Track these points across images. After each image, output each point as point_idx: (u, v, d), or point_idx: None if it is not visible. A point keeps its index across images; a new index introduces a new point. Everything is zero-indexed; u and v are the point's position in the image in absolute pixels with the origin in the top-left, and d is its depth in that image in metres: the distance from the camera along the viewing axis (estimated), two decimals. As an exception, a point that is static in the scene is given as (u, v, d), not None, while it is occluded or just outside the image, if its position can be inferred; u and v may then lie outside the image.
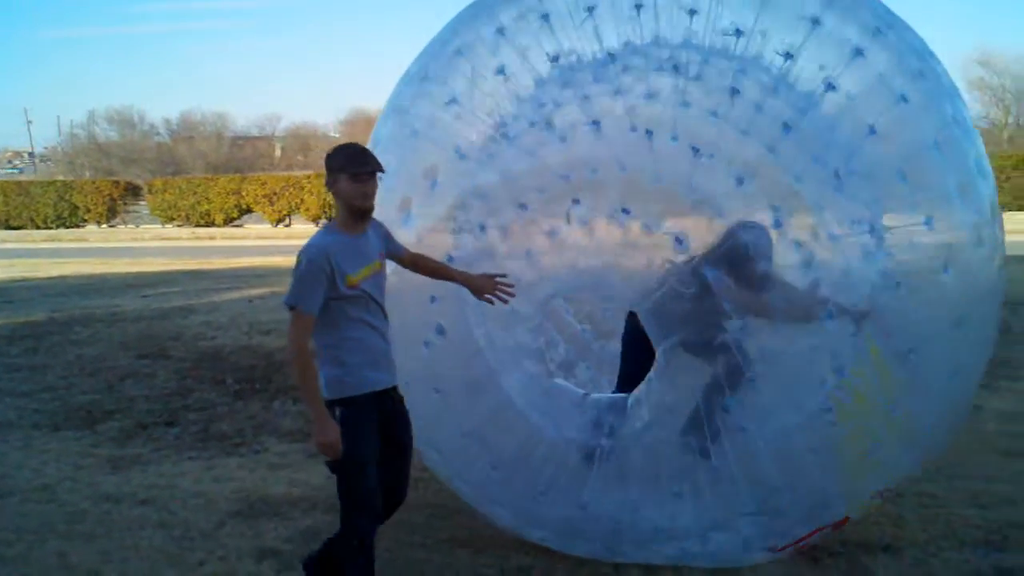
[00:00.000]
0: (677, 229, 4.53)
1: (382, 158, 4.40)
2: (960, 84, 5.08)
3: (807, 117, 4.41)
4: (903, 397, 4.54)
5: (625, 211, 4.57)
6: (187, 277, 22.44)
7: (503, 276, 4.69)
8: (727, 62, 4.51)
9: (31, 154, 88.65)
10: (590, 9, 4.72)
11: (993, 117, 58.37)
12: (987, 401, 7.96)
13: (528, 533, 5.27)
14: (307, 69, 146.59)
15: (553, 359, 6.22)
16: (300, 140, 76.05)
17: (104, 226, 50.58)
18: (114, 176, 57.54)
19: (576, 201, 4.74)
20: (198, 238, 42.23)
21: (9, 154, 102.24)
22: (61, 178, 57.92)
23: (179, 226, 48.29)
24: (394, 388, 4.55)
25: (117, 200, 51.28)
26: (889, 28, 4.69)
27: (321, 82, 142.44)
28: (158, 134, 75.98)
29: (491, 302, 4.68)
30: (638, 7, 4.64)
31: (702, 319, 4.67)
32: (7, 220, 50.34)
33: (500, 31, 4.98)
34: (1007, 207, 29.35)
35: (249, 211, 48.42)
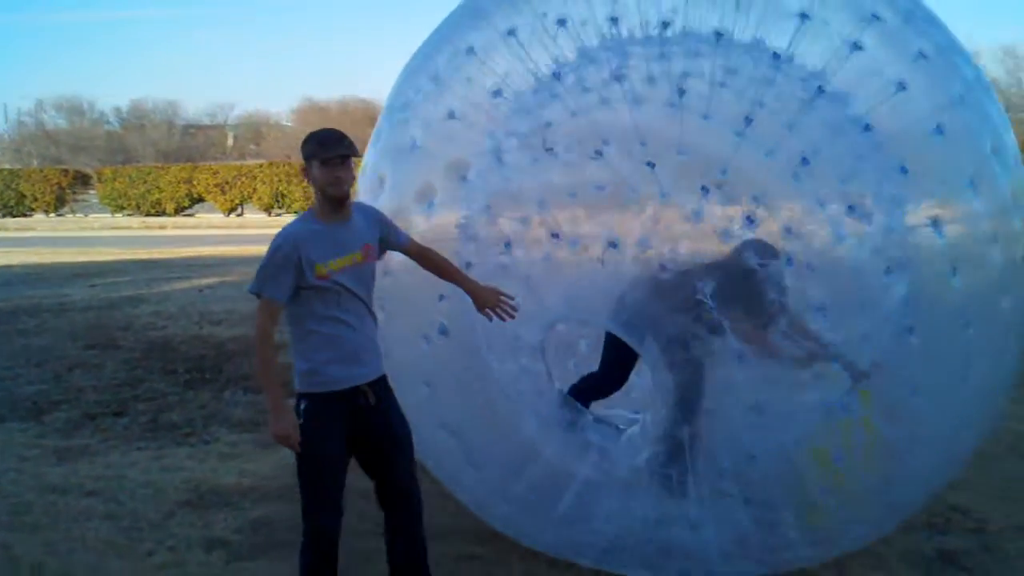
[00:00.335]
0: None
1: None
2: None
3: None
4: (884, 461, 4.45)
5: (650, 164, 4.29)
6: (137, 267, 22.18)
7: (510, 298, 4.41)
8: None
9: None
10: None
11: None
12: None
13: (490, 511, 5.25)
14: (259, 57, 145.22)
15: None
16: (252, 129, 75.25)
17: (52, 215, 49.82)
18: (63, 165, 56.55)
19: (599, 153, 4.44)
20: (148, 227, 41.72)
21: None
22: (8, 167, 56.93)
23: (129, 215, 47.66)
24: (373, 383, 4.28)
25: (66, 189, 50.54)
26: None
27: (274, 71, 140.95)
28: (108, 122, 74.80)
29: (490, 317, 4.42)
30: None
31: (679, 323, 4.45)
32: (-48, 209, 49.44)
33: None
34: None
35: (201, 200, 47.93)
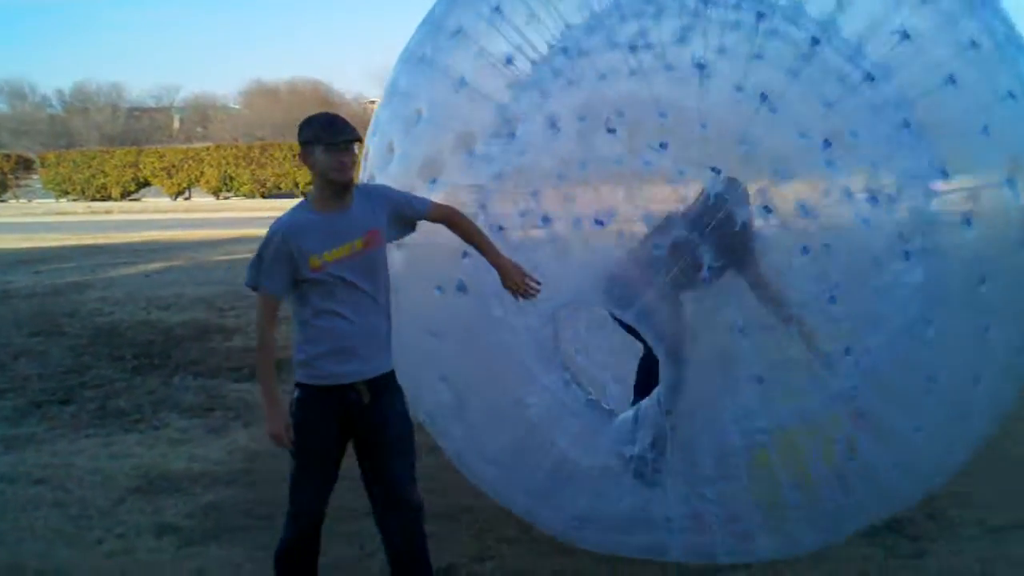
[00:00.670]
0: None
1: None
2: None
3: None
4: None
5: (662, 145, 4.18)
6: (82, 252, 21.84)
7: (535, 280, 4.20)
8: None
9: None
10: None
11: None
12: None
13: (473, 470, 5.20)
14: (205, 38, 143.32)
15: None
16: (199, 111, 74.32)
17: (-6, 201, 48.91)
18: (4, 149, 55.48)
19: (612, 130, 4.30)
20: (94, 212, 41.05)
21: None
22: (-53, 152, 55.73)
23: (74, 200, 46.93)
24: (371, 381, 4.07)
25: (8, 174, 49.66)
26: None
27: (220, 52, 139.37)
28: (50, 105, 73.46)
29: (514, 295, 4.23)
30: None
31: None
32: None
33: None
34: None
35: (147, 184, 47.33)
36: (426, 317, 4.83)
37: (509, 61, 4.54)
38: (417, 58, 5.01)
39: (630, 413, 4.86)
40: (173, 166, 45.87)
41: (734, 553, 4.54)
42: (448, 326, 4.77)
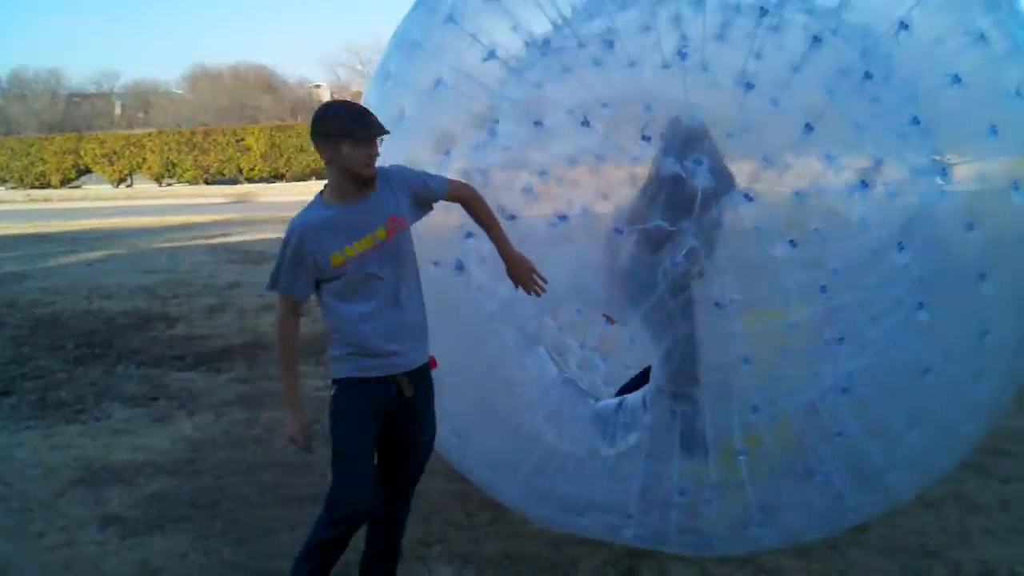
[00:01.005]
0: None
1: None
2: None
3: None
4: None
5: (646, 138, 4.11)
6: (22, 242, 21.47)
7: (542, 278, 4.08)
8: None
9: None
10: None
11: None
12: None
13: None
14: (146, 23, 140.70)
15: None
16: (141, 97, 73.12)
17: (-71, 190, 47.83)
18: (-61, 137, 54.25)
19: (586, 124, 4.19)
20: (33, 201, 40.27)
21: None
22: None
23: (12, 188, 45.95)
24: (411, 373, 3.97)
25: (-57, 162, 48.51)
26: None
27: (162, 37, 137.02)
28: (-13, 93, 71.93)
29: (524, 288, 4.10)
30: None
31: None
32: None
33: None
34: None
35: (88, 171, 46.46)
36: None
37: (492, 56, 4.43)
38: (410, 43, 4.91)
39: (614, 401, 4.88)
40: (114, 152, 45.06)
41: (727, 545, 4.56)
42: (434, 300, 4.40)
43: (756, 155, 3.98)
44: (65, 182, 45.96)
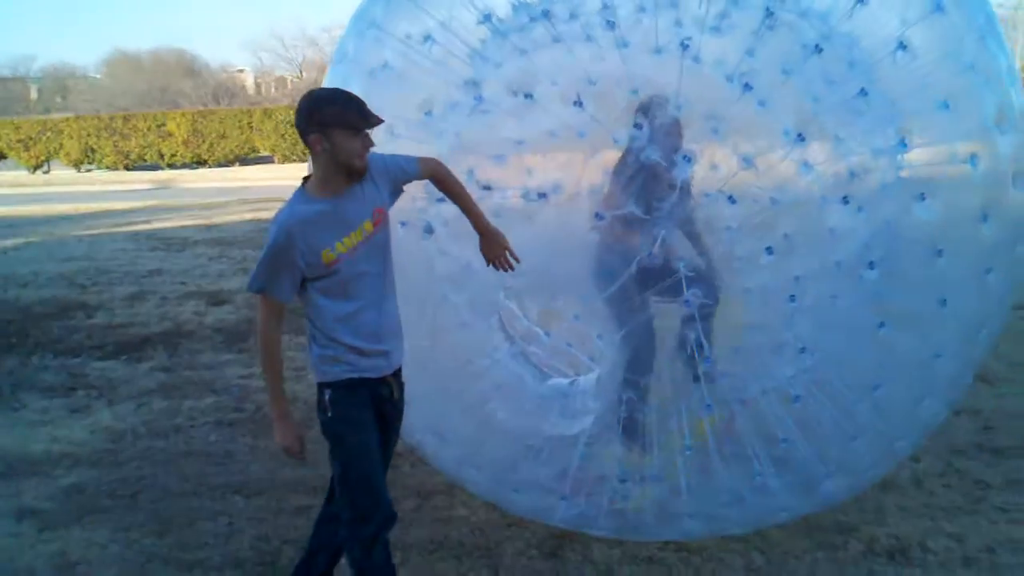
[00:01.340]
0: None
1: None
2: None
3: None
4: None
5: (637, 125, 3.97)
6: (-67, 229, 20.85)
7: (514, 257, 3.97)
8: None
9: None
10: None
11: None
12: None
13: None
14: (63, 5, 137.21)
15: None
16: (58, 81, 71.56)
17: None
18: None
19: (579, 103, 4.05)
20: (-55, 187, 39.18)
21: None
22: None
23: (-77, 175, 44.66)
24: (395, 374, 3.87)
25: None
26: None
27: (79, 20, 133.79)
28: None
29: (495, 266, 4.00)
30: None
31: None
32: None
33: None
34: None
35: (3, 157, 45.21)
36: None
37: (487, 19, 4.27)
38: (367, 22, 4.74)
39: (564, 381, 4.84)
40: (30, 138, 43.89)
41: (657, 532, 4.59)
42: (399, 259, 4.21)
43: (737, 153, 3.92)
44: (-22, 168, 44.73)
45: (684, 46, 3.89)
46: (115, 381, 7.94)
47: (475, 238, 3.99)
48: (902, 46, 3.91)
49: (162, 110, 47.42)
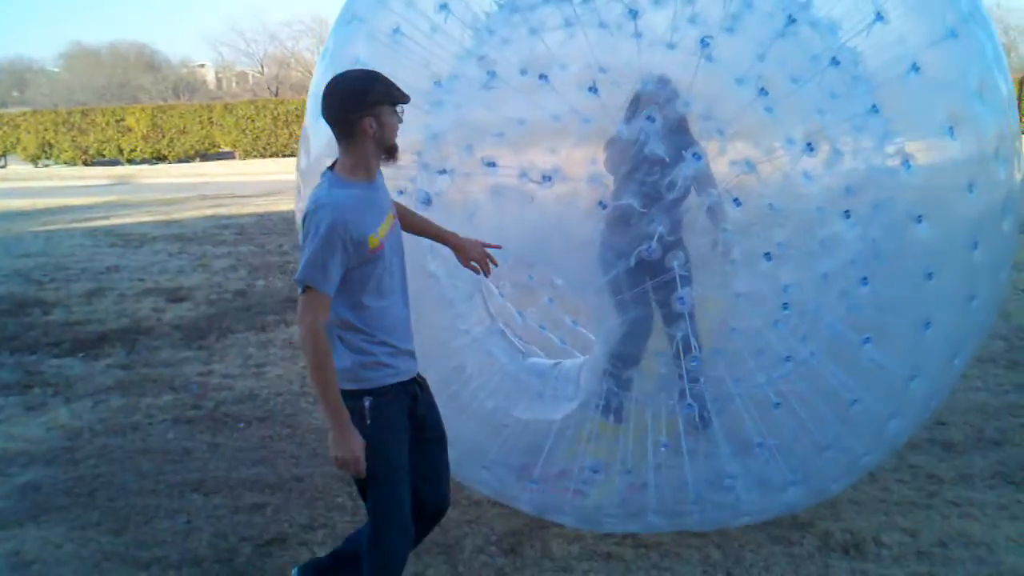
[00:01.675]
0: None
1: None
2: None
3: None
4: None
5: (650, 118, 3.93)
6: None
7: (496, 247, 3.95)
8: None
9: None
10: None
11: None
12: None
13: None
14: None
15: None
16: (15, 75, 70.64)
17: None
18: None
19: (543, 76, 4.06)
20: (-102, 182, 38.55)
21: None
22: None
23: None
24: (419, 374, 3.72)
25: None
26: None
27: (37, 12, 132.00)
28: None
29: (476, 270, 3.94)
30: None
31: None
32: None
33: None
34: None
35: (-42, 152, 44.66)
36: None
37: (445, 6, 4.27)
38: (348, 17, 4.75)
39: (545, 363, 4.86)
40: (-14, 132, 43.43)
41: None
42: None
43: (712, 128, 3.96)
44: (-67, 163, 44.08)
45: (704, 43, 3.87)
46: (72, 378, 7.85)
47: (464, 212, 3.99)
48: (915, 68, 3.91)
49: (121, 105, 46.95)
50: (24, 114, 44.18)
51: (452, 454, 4.09)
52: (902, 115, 3.96)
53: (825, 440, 4.22)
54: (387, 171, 3.66)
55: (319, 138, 4.58)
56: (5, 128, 43.08)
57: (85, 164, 41.99)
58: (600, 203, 4.13)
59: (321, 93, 3.43)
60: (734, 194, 3.93)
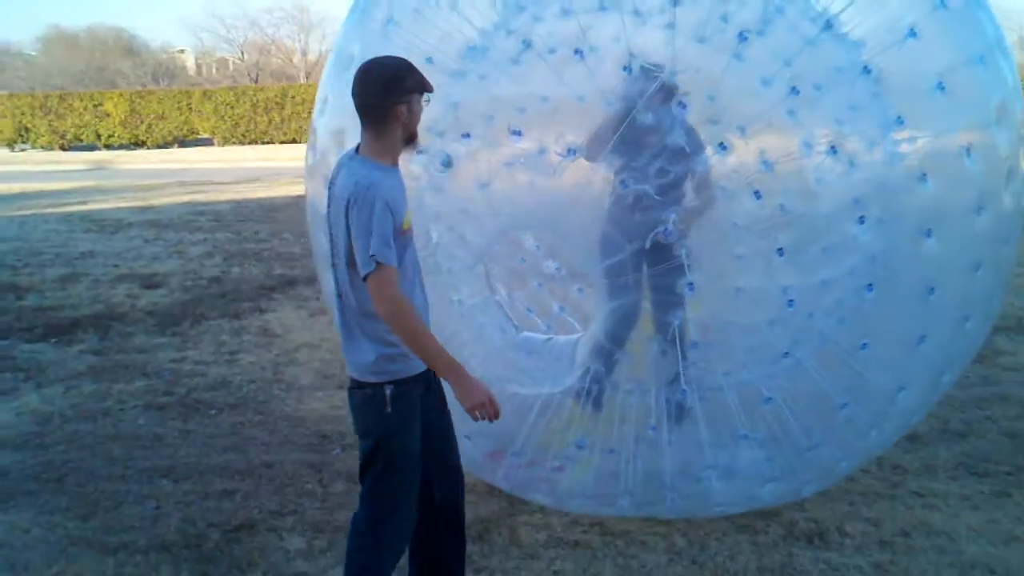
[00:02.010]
0: None
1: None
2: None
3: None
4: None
5: (682, 104, 3.99)
6: None
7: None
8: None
9: None
10: None
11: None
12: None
13: None
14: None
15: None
16: (-9, 58, 69.94)
17: None
18: None
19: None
20: None
21: None
22: None
23: None
24: None
25: None
26: None
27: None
28: None
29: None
30: None
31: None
32: None
33: None
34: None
35: (-67, 135, 44.25)
36: None
37: None
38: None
39: (538, 338, 4.89)
40: (-38, 116, 43.05)
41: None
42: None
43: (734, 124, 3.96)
44: (-92, 146, 43.66)
45: (743, 38, 3.90)
46: (44, 364, 7.82)
47: (477, 182, 4.05)
48: (940, 86, 3.95)
49: (99, 89, 46.59)
50: (0, 98, 43.82)
51: None
52: (923, 130, 4.01)
53: (809, 441, 4.27)
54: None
55: (325, 136, 4.71)
56: (-19, 112, 42.75)
57: (62, 149, 41.68)
58: (622, 182, 4.10)
59: (355, 77, 3.43)
60: (755, 186, 3.95)
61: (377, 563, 3.61)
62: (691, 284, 4.07)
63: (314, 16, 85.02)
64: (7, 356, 8.09)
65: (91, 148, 41.59)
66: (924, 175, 3.95)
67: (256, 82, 57.33)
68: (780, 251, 3.99)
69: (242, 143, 41.69)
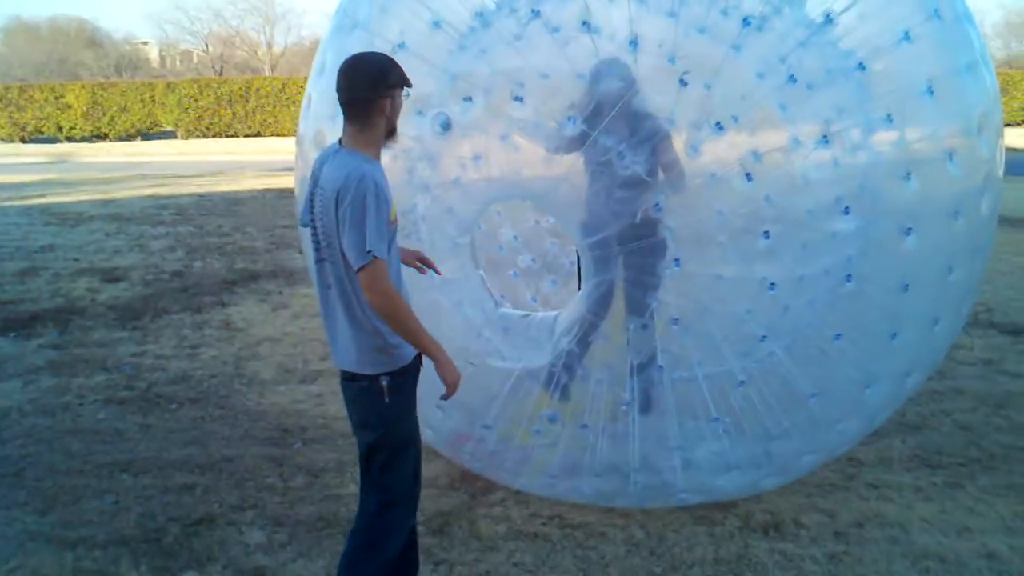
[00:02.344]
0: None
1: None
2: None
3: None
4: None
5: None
6: None
7: (433, 270, 4.06)
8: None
9: None
10: None
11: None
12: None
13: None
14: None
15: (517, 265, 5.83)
16: (-50, 49, 68.94)
17: None
18: None
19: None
20: None
21: None
22: None
23: None
24: None
25: None
26: None
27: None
28: None
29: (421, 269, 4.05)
30: None
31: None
32: None
33: None
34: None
35: None
36: None
37: None
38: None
39: (517, 313, 4.93)
40: (-80, 108, 42.41)
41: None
42: None
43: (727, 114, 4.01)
44: None
45: (747, 22, 3.96)
46: (2, 358, 7.74)
47: (470, 152, 4.14)
48: (929, 91, 4.04)
49: (61, 81, 46.08)
50: (-41, 89, 43.23)
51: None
52: (911, 130, 4.11)
53: (778, 431, 4.33)
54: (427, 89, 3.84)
55: (306, 140, 4.82)
56: (-60, 103, 42.13)
57: (23, 141, 41.17)
58: (620, 154, 4.08)
59: (339, 73, 3.47)
60: (747, 168, 3.99)
61: (387, 541, 3.67)
62: (677, 260, 4.12)
63: (279, 8, 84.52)
64: (-35, 350, 8.01)
65: (52, 141, 41.12)
66: (909, 174, 4.03)
67: (220, 74, 56.91)
68: (766, 234, 4.02)
69: (206, 136, 41.37)
